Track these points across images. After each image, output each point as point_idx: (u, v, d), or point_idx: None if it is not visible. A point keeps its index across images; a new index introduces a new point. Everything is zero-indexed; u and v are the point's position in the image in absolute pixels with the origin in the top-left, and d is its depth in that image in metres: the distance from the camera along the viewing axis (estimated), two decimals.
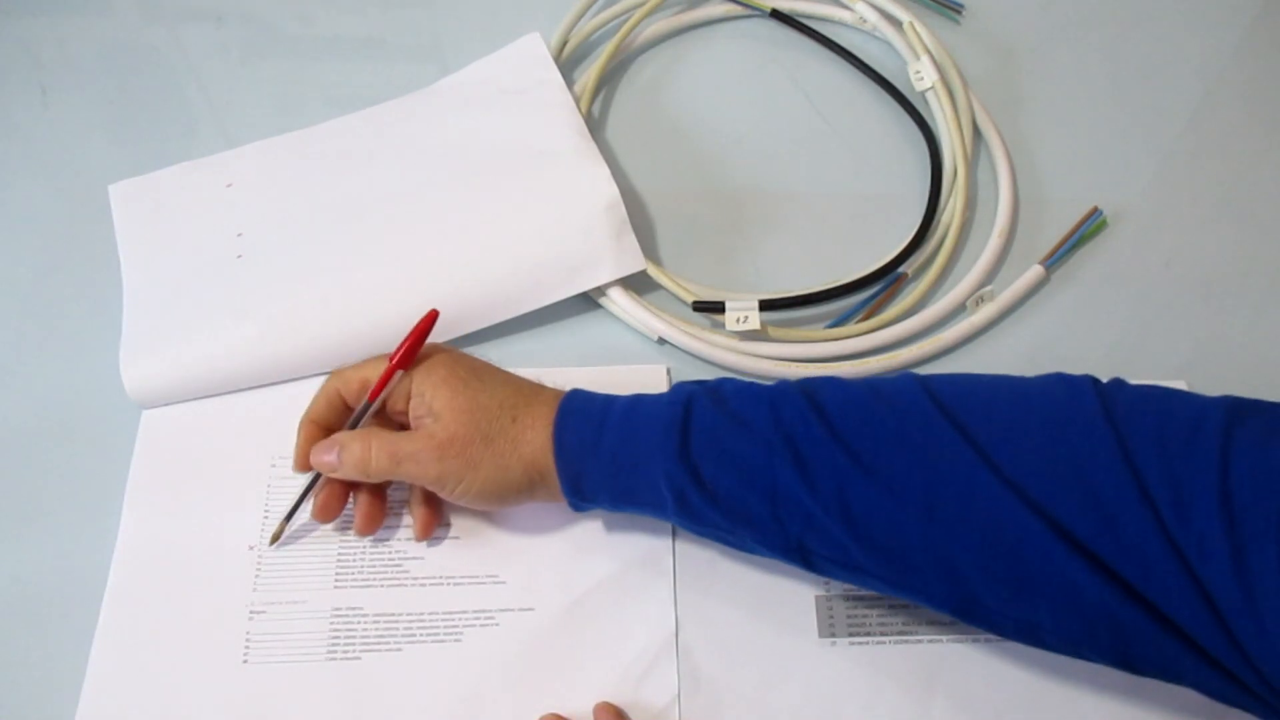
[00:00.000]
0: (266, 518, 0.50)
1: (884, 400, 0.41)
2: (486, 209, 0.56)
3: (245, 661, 0.47)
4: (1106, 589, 0.36)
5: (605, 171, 0.57)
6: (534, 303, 0.55)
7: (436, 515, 0.49)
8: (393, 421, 0.48)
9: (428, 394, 0.45)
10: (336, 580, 0.49)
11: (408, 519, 0.50)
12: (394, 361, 0.45)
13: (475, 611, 0.48)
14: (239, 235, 0.58)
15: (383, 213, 0.57)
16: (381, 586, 0.48)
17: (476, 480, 0.44)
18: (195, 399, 0.53)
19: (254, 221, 0.58)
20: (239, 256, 0.57)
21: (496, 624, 0.47)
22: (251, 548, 0.49)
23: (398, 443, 0.45)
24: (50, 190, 0.62)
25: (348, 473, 0.46)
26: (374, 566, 0.49)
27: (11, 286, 0.58)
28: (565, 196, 0.56)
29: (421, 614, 0.48)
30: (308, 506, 0.49)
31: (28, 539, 0.50)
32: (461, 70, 0.65)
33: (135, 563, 0.49)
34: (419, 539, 0.49)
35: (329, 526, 0.50)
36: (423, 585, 0.49)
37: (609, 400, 0.45)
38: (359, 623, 0.48)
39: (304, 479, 0.48)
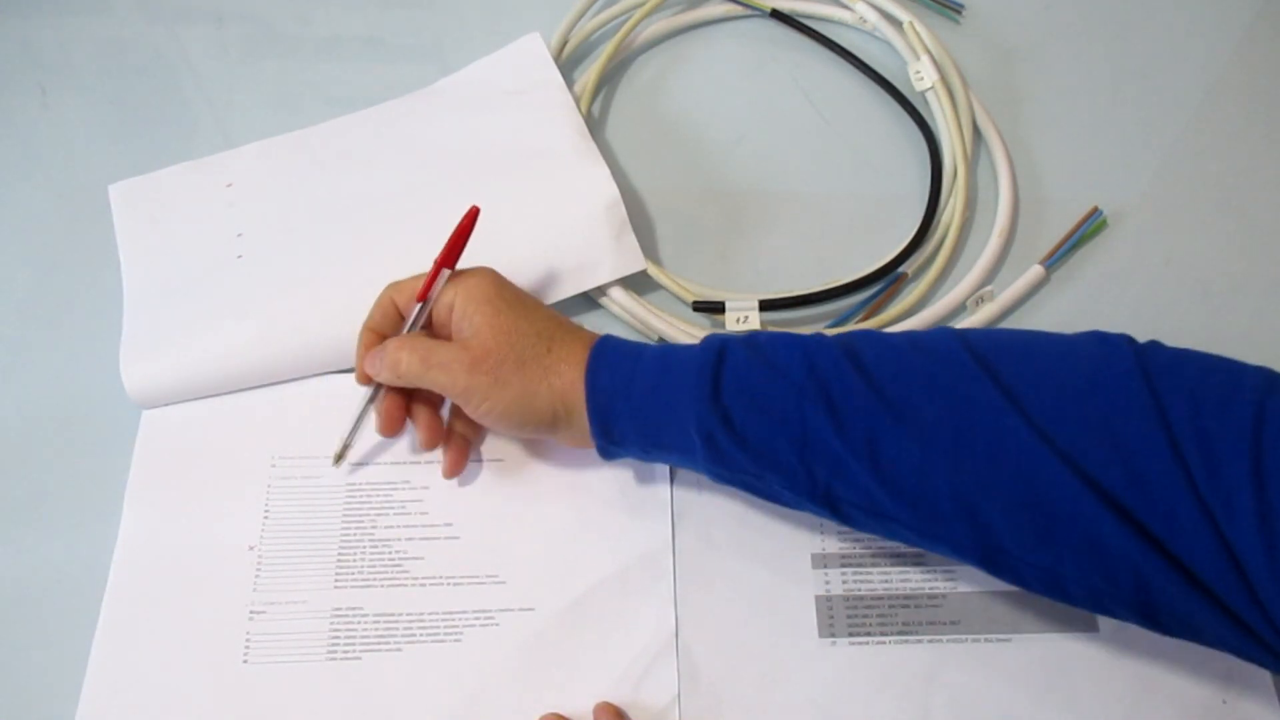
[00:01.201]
0: (267, 518, 0.50)
1: (919, 349, 0.41)
2: (487, 209, 0.56)
3: (245, 661, 0.47)
4: (1132, 540, 0.36)
5: (605, 171, 0.57)
6: None
7: (464, 454, 0.50)
8: (440, 336, 0.49)
9: (470, 309, 0.46)
10: (336, 580, 0.49)
11: (409, 520, 0.50)
12: (439, 260, 0.46)
13: (475, 611, 0.48)
14: (239, 235, 0.58)
15: (383, 213, 0.57)
16: (381, 586, 0.48)
17: (503, 399, 0.44)
18: (195, 399, 0.53)
19: (254, 221, 0.58)
20: (239, 256, 0.57)
21: (496, 624, 0.47)
22: (251, 548, 0.49)
23: (433, 349, 0.45)
24: (50, 190, 0.62)
25: (381, 375, 0.47)
26: (374, 566, 0.49)
27: (11, 286, 0.59)
28: (565, 196, 0.56)
29: (421, 614, 0.48)
30: (370, 426, 0.49)
31: (28, 539, 0.50)
32: (461, 70, 0.65)
33: (135, 563, 0.49)
34: (446, 476, 0.50)
35: (330, 524, 0.50)
36: (423, 585, 0.49)
37: (642, 345, 0.46)
38: (359, 623, 0.48)
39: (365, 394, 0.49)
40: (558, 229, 0.55)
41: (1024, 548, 0.38)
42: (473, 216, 0.46)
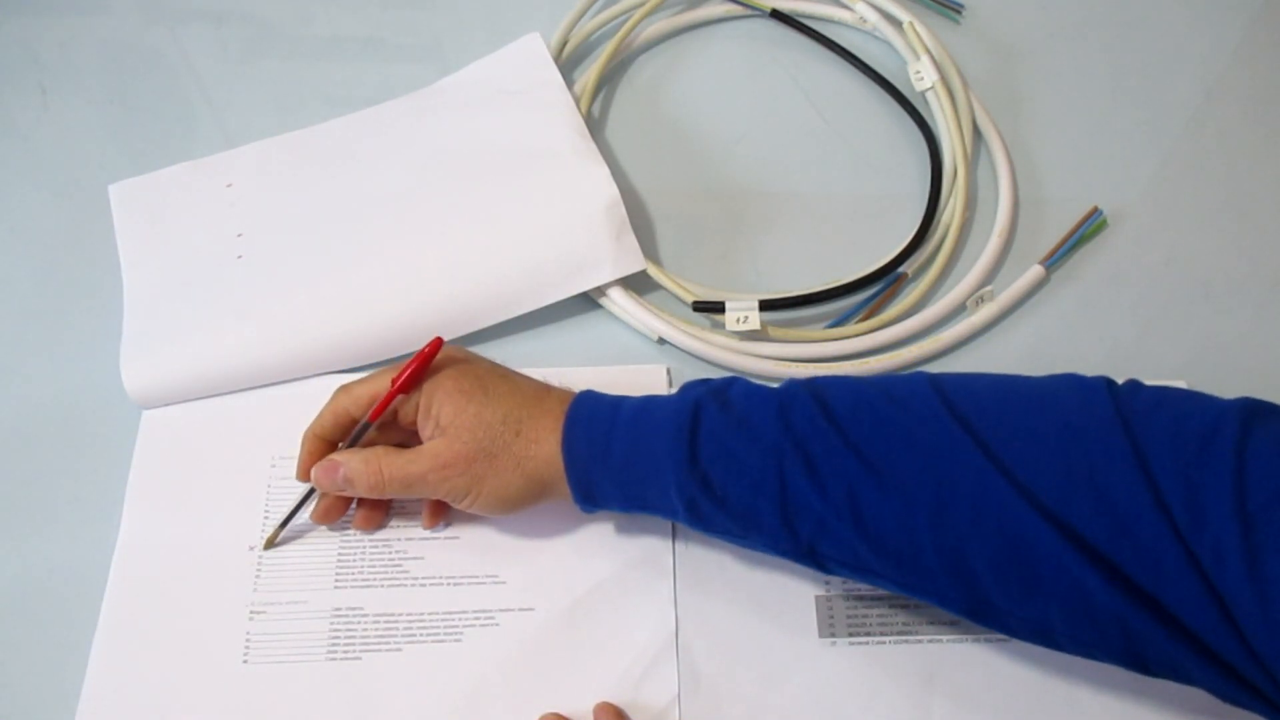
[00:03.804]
0: (267, 518, 0.50)
1: (895, 403, 0.41)
2: (486, 209, 0.56)
3: (245, 661, 0.47)
4: (1119, 594, 0.35)
5: (605, 171, 0.57)
6: (534, 303, 0.55)
7: (445, 508, 0.50)
8: (401, 430, 0.48)
9: (434, 407, 0.45)
10: (336, 580, 0.49)
11: (409, 520, 0.50)
12: (395, 386, 0.45)
13: (475, 611, 0.48)
14: (239, 235, 0.58)
15: (383, 213, 0.57)
16: (381, 586, 0.48)
17: (481, 495, 0.45)
18: (195, 399, 0.53)
19: (254, 221, 0.58)
20: (239, 257, 0.57)
21: (496, 624, 0.47)
22: (251, 548, 0.49)
23: (406, 467, 0.45)
24: (50, 191, 0.62)
25: (360, 493, 0.46)
26: (374, 566, 0.49)
27: (12, 287, 0.58)
28: (565, 196, 0.56)
29: (421, 614, 0.48)
30: (305, 511, 0.49)
31: (28, 539, 0.50)
32: (461, 70, 0.65)
33: (135, 563, 0.49)
34: (426, 528, 0.49)
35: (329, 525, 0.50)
36: (423, 585, 0.49)
37: (616, 405, 0.45)
38: (359, 623, 0.48)
39: (302, 485, 0.48)
40: (558, 229, 0.55)
41: (1011, 600, 0.38)
42: (435, 347, 0.46)
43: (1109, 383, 0.39)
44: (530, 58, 0.64)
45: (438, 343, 0.46)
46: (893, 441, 0.40)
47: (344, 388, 0.48)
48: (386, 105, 0.64)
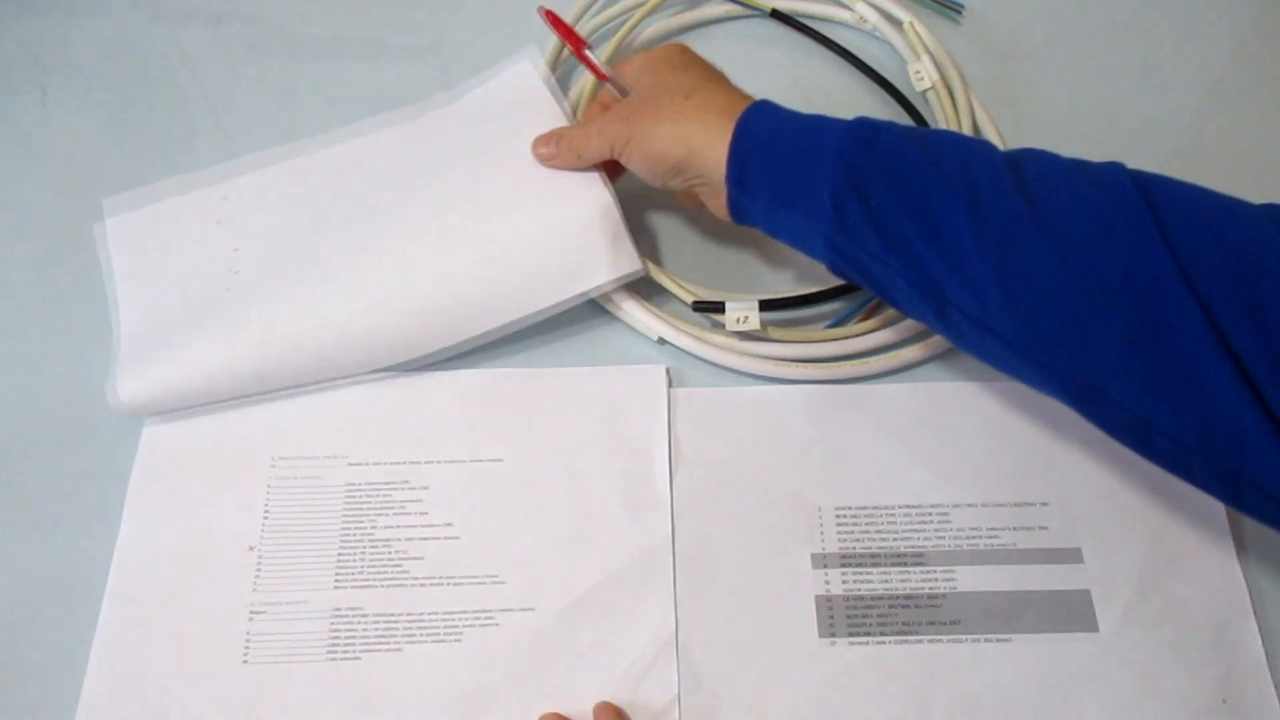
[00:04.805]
0: (266, 518, 0.50)
1: (1084, 174, 0.41)
2: (481, 214, 0.56)
3: (245, 661, 0.47)
4: (1245, 401, 0.35)
5: (600, 174, 0.56)
6: (531, 307, 0.54)
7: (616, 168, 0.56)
8: None
9: (640, 74, 0.52)
10: (336, 580, 0.49)
11: (409, 520, 0.50)
12: (574, 50, 0.58)
13: (475, 611, 0.48)
14: (235, 250, 0.57)
15: (380, 213, 0.57)
16: (381, 586, 0.48)
17: (632, 139, 0.50)
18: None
19: (249, 241, 0.57)
20: (235, 271, 0.56)
21: (496, 624, 0.48)
22: (251, 548, 0.49)
23: (595, 120, 0.53)
24: (50, 191, 0.62)
25: (570, 148, 0.55)
26: (374, 566, 0.49)
27: (11, 289, 0.58)
28: (560, 200, 0.56)
29: (421, 614, 0.48)
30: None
31: (28, 540, 0.50)
32: (456, 101, 0.64)
33: (135, 563, 0.49)
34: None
35: (330, 524, 0.50)
36: (423, 585, 0.49)
37: (795, 114, 0.47)
38: (359, 623, 0.48)
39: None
40: (553, 232, 0.55)
41: (1125, 388, 0.38)
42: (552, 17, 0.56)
43: None
44: (523, 81, 0.63)
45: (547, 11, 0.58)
46: (1068, 201, 0.40)
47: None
48: (381, 116, 0.63)
